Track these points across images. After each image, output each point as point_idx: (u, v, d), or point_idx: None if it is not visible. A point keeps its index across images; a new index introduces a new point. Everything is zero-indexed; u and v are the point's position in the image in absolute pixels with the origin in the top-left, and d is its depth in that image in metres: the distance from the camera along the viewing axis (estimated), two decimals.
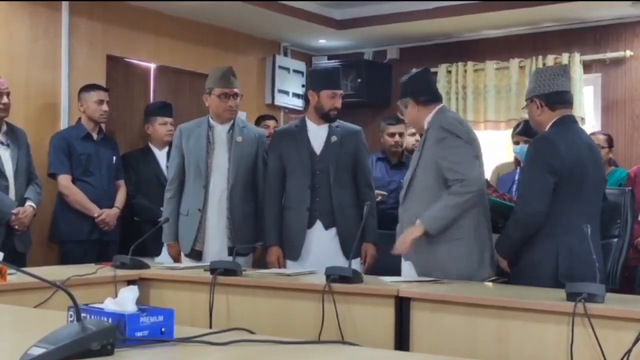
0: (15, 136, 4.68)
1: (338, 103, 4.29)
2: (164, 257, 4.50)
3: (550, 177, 3.40)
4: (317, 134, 4.31)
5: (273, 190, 4.32)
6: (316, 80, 4.36)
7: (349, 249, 3.77)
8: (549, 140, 3.49)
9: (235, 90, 4.42)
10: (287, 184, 4.31)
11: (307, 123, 4.34)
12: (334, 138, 4.29)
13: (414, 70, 3.94)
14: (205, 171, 4.34)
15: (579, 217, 3.34)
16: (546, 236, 3.43)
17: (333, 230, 4.24)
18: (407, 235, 3.56)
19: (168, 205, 4.42)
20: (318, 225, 4.24)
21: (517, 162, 5.19)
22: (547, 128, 3.56)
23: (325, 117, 4.29)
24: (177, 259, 4.40)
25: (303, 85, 7.48)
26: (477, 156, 3.65)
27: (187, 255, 4.37)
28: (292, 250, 4.25)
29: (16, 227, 4.53)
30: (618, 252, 3.96)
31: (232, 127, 4.45)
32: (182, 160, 4.41)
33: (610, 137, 5.56)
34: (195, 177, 4.35)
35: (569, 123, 3.57)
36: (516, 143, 5.00)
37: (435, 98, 3.82)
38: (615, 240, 3.99)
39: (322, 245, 4.20)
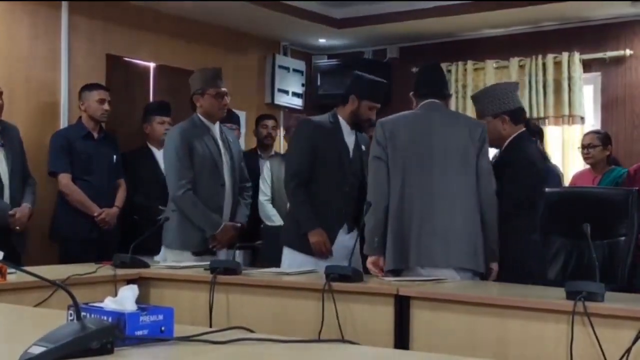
0: (9, 135, 4.67)
1: (374, 116, 4.25)
2: (164, 256, 4.50)
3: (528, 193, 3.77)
4: (349, 137, 4.30)
5: (303, 181, 4.20)
6: (362, 87, 4.27)
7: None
8: (532, 162, 3.88)
9: (225, 89, 4.49)
10: (317, 179, 4.21)
11: (341, 123, 4.27)
12: (363, 147, 4.31)
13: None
14: (222, 169, 4.38)
15: (537, 219, 3.76)
16: (522, 237, 3.72)
17: (353, 234, 4.19)
18: None
19: (192, 197, 4.29)
20: (344, 227, 4.22)
21: None
22: (507, 142, 3.90)
23: (357, 124, 4.27)
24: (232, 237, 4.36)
25: (303, 85, 7.49)
26: None
27: (198, 253, 4.30)
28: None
29: (17, 228, 4.54)
30: (625, 251, 3.97)
31: (220, 126, 4.53)
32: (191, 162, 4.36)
33: (606, 135, 5.55)
34: (211, 177, 4.36)
35: (529, 139, 3.99)
36: None
37: None
38: (623, 239, 4.00)
39: (343, 248, 4.15)
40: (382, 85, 4.34)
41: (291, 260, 4.20)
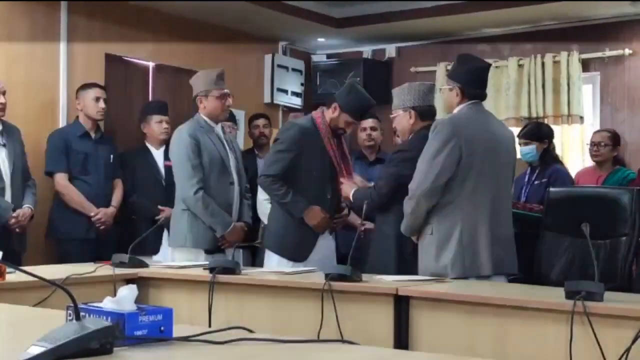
0: (10, 135, 4.68)
1: (350, 130, 4.33)
2: (162, 256, 4.48)
3: None
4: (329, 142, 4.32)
5: (285, 181, 4.19)
6: (349, 100, 4.21)
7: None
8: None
9: (229, 90, 4.51)
10: (300, 184, 4.20)
11: (321, 128, 4.25)
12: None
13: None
14: (230, 168, 4.41)
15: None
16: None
17: (332, 236, 4.34)
18: None
19: (204, 197, 4.28)
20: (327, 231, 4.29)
21: None
22: (410, 136, 4.03)
23: (333, 131, 4.25)
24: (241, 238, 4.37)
25: (302, 84, 7.48)
26: None
27: (210, 252, 4.31)
28: (301, 251, 4.20)
29: (17, 229, 4.53)
30: (626, 250, 3.98)
31: (221, 126, 4.56)
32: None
33: (617, 135, 5.56)
34: (221, 175, 4.37)
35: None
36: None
37: None
38: (624, 238, 4.00)
39: (324, 250, 4.24)
40: (367, 105, 4.30)
41: (276, 262, 4.22)
